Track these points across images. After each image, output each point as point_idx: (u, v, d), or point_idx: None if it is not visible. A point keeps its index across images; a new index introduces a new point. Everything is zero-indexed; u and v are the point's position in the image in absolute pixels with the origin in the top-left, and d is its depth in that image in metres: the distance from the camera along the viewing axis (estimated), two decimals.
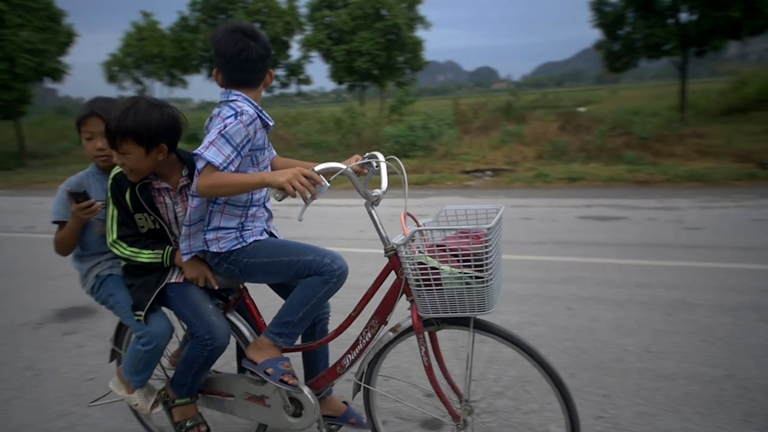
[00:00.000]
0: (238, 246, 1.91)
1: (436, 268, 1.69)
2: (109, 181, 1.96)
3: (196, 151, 1.75)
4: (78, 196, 1.95)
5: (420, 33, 23.15)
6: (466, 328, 1.82)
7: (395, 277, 1.84)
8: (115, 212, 1.95)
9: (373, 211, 1.88)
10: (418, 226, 1.82)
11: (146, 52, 22.34)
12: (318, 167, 1.72)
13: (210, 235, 1.91)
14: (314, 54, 23.12)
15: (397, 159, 1.88)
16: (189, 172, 1.98)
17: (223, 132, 1.73)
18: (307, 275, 1.87)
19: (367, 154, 1.97)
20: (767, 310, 3.42)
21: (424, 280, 1.72)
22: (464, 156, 11.38)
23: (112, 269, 2.14)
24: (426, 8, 25.34)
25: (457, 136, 12.79)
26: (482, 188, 8.90)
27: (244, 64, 1.83)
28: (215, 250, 1.91)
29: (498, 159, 10.98)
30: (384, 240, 1.85)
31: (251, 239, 1.93)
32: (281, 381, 1.90)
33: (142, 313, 1.95)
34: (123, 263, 2.05)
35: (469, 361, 1.84)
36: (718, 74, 19.18)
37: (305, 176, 1.64)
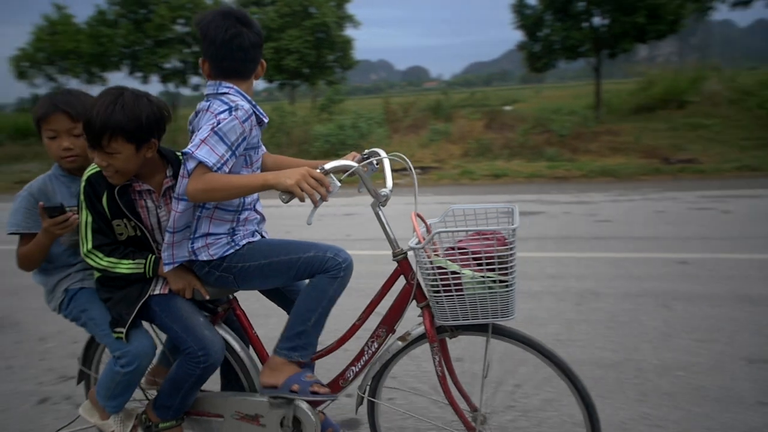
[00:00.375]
0: (231, 251, 1.75)
1: (457, 273, 1.57)
2: (83, 184, 1.74)
3: (186, 150, 1.57)
4: (53, 210, 1.71)
5: (350, 32, 23.21)
6: (484, 334, 1.72)
7: (399, 282, 1.77)
8: (90, 219, 1.74)
9: (380, 212, 1.76)
10: (428, 227, 1.72)
11: (59, 47, 20.94)
12: (327, 166, 1.59)
13: (198, 243, 1.74)
14: None
15: (403, 156, 1.78)
16: (173, 171, 1.81)
17: (216, 129, 1.56)
18: (310, 274, 1.74)
19: (367, 151, 1.86)
20: (666, 296, 3.70)
21: (443, 285, 1.60)
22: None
23: (83, 282, 1.93)
24: (357, 7, 25.39)
25: (386, 134, 12.91)
26: (410, 186, 9.01)
27: (236, 52, 1.67)
28: (205, 258, 1.74)
29: (426, 157, 11.18)
30: (393, 243, 1.74)
31: (243, 241, 1.78)
32: (313, 393, 1.75)
33: (124, 330, 1.75)
34: (97, 275, 1.84)
35: (486, 370, 1.77)
36: (629, 75, 20.41)
37: (313, 177, 1.52)
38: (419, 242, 1.62)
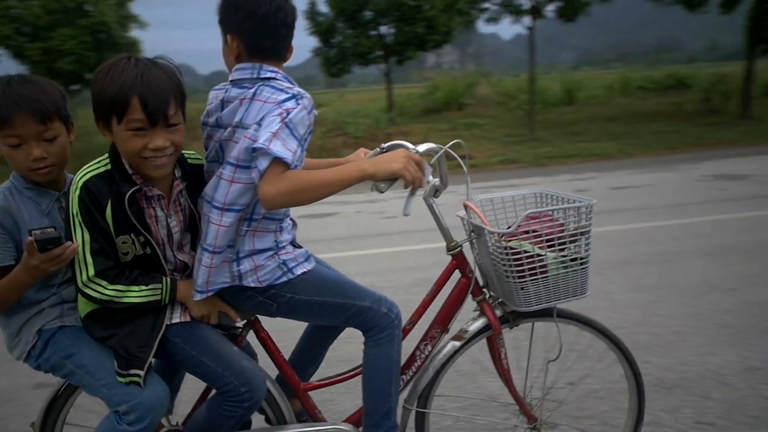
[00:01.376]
0: (284, 278, 1.49)
1: (541, 255, 1.55)
2: (77, 194, 1.34)
3: (258, 145, 1.27)
4: (48, 242, 1.28)
5: (139, 33, 21.31)
6: (550, 318, 1.70)
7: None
8: (88, 238, 1.35)
9: (434, 203, 1.64)
10: (480, 216, 1.61)
11: None
12: (421, 148, 1.48)
13: (245, 266, 1.45)
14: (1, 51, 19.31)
15: (462, 143, 1.64)
16: (182, 172, 1.49)
17: (286, 120, 1.31)
18: (359, 324, 1.58)
19: (386, 144, 1.66)
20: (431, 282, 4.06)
21: (529, 269, 1.55)
22: None
23: (62, 319, 1.49)
24: (150, 7, 23.43)
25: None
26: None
27: (280, 28, 1.42)
28: (252, 285, 1.47)
29: None
30: (447, 235, 1.65)
31: (299, 270, 1.51)
32: None
33: (142, 373, 1.38)
34: (87, 309, 1.43)
35: (558, 354, 1.76)
36: (420, 81, 22.23)
37: (415, 161, 1.38)
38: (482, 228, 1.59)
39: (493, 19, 12.78)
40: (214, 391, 1.55)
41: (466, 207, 1.66)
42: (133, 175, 1.39)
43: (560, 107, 16.83)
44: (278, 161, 1.29)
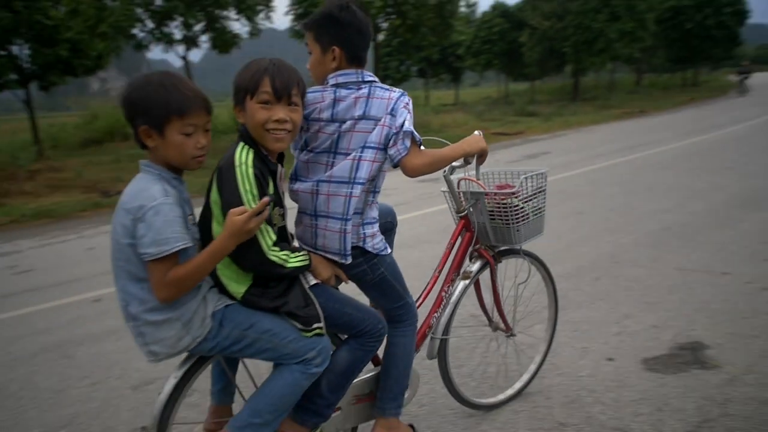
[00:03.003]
0: (385, 252, 1.90)
1: (523, 207, 2.20)
2: (251, 172, 1.55)
3: (406, 128, 1.74)
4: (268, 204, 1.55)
5: None
6: (519, 255, 2.40)
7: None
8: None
9: (450, 177, 2.20)
10: (479, 183, 2.19)
11: None
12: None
13: (368, 231, 1.85)
14: None
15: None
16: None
17: (410, 111, 1.78)
18: (399, 316, 1.95)
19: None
20: (70, 344, 3.58)
21: (521, 217, 2.20)
22: None
23: (222, 300, 1.64)
24: None
25: None
26: None
27: (369, 40, 1.84)
28: (369, 249, 1.84)
29: None
30: (458, 201, 2.25)
31: (390, 250, 1.96)
32: None
33: (322, 324, 1.68)
34: (247, 285, 1.63)
35: (527, 279, 2.43)
36: (79, 108, 19.75)
37: None
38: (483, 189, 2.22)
39: (143, 47, 12.24)
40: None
41: (465, 181, 2.22)
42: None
43: (229, 134, 17.19)
44: (415, 141, 1.77)
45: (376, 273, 1.87)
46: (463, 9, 46.30)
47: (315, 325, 1.66)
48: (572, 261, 4.52)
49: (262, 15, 13.38)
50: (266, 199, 1.53)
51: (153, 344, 1.55)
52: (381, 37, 16.93)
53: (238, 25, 12.91)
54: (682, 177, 7.80)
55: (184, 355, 1.65)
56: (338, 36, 1.78)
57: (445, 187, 2.27)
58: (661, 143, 11.55)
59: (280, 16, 17.24)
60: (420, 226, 5.98)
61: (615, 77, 39.09)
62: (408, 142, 1.75)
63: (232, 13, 13.02)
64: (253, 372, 1.91)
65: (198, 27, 12.76)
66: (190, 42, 12.26)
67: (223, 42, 12.27)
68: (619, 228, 5.45)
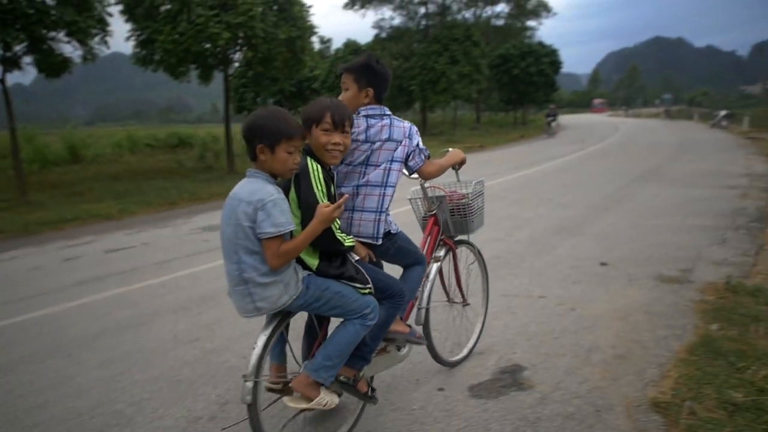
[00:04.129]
0: (398, 230, 2.70)
1: (471, 204, 3.08)
2: (321, 175, 2.22)
3: (422, 147, 2.67)
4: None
5: None
6: (469, 243, 3.38)
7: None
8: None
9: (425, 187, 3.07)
10: (443, 189, 3.12)
11: None
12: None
13: (390, 218, 2.64)
14: None
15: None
16: None
17: (418, 134, 2.67)
18: (389, 293, 2.46)
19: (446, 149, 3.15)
20: None
21: (474, 211, 3.09)
22: None
23: (302, 270, 2.25)
24: None
25: None
26: None
27: (389, 87, 2.65)
28: (392, 231, 2.65)
29: None
30: (429, 204, 3.08)
31: (398, 228, 2.75)
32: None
33: (371, 286, 2.33)
34: (315, 260, 2.25)
35: (474, 261, 3.49)
36: None
37: None
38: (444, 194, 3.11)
39: None
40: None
41: (429, 188, 3.07)
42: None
43: (63, 166, 15.49)
44: (425, 155, 2.70)
45: (395, 245, 2.68)
46: (317, 45, 47.40)
47: (367, 286, 2.32)
48: None
49: (97, 39, 12.33)
50: (346, 196, 2.25)
51: (260, 301, 2.14)
52: (232, 69, 16.57)
53: (71, 48, 11.71)
54: (513, 207, 8.62)
55: (267, 319, 2.25)
56: (372, 81, 2.55)
57: (410, 195, 3.19)
58: (496, 176, 12.72)
59: (121, 41, 16.07)
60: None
61: (459, 114, 42.52)
62: (423, 156, 2.68)
63: (61, 35, 11.82)
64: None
65: (19, 48, 11.35)
66: (11, 63, 10.82)
67: (50, 65, 11.01)
68: None
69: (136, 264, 6.35)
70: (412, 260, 2.76)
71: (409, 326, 2.79)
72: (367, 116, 2.53)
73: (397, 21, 35.53)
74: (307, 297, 2.20)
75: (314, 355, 2.34)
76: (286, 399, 2.31)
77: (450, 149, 3.02)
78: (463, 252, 3.37)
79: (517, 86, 38.76)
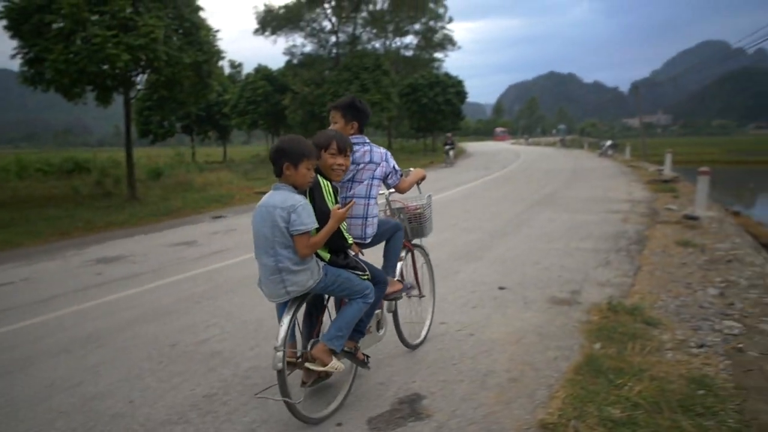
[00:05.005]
0: (376, 231, 3.47)
1: (424, 214, 3.92)
2: (330, 187, 2.97)
3: (397, 168, 3.54)
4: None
5: None
6: (421, 246, 4.14)
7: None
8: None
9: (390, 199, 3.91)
10: (401, 202, 3.93)
11: None
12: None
13: (375, 221, 3.43)
14: None
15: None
16: None
17: (392, 156, 3.54)
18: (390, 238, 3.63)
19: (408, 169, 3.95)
20: None
21: (426, 219, 3.94)
22: None
23: (320, 260, 2.93)
24: None
25: None
26: None
27: (368, 120, 3.44)
28: (377, 232, 3.46)
29: None
30: (393, 214, 3.91)
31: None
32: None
33: (368, 274, 3.07)
34: (327, 254, 2.95)
35: (424, 260, 4.29)
36: None
37: None
38: (403, 205, 3.94)
39: None
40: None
41: (392, 201, 3.93)
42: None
43: None
44: (399, 173, 3.54)
45: (377, 242, 3.52)
46: (227, 69, 46.46)
47: (366, 273, 3.07)
48: None
49: None
50: (353, 201, 3.04)
51: (291, 286, 2.77)
52: (135, 91, 15.76)
53: None
54: None
55: (289, 302, 2.86)
56: (356, 116, 3.35)
57: (379, 207, 3.67)
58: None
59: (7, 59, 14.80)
60: None
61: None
62: (398, 175, 3.54)
63: None
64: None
65: None
66: None
67: None
68: None
69: (13, 303, 5.75)
70: (392, 231, 3.67)
71: (401, 281, 3.73)
72: (354, 144, 3.23)
73: (309, 48, 35.78)
74: (326, 281, 2.89)
75: (325, 330, 3.03)
76: (307, 364, 2.91)
77: (412, 169, 3.80)
78: (417, 254, 4.15)
79: (426, 114, 40.20)
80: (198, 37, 14.81)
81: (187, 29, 14.69)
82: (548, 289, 5.51)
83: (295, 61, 35.55)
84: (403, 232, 3.74)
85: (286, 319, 2.77)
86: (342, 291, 2.97)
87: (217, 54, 15.74)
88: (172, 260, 7.64)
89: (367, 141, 3.35)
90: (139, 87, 16.30)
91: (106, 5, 12.70)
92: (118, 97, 15.33)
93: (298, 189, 2.81)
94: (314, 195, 2.86)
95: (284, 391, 2.76)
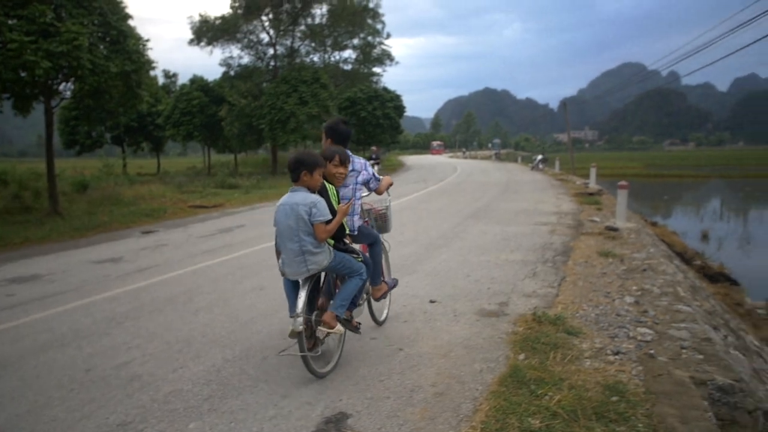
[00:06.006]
0: (362, 223, 4.37)
1: (386, 213, 4.92)
2: (335, 189, 3.93)
3: (376, 175, 4.45)
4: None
5: None
6: (384, 240, 4.85)
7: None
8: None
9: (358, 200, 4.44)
10: (371, 205, 4.84)
11: None
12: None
13: (359, 216, 4.30)
14: None
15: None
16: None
17: (371, 166, 4.46)
18: (374, 242, 4.54)
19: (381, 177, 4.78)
20: None
21: (388, 219, 4.93)
22: None
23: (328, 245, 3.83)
24: None
25: None
26: None
27: (349, 138, 4.35)
28: (361, 225, 4.32)
29: None
30: (364, 214, 4.64)
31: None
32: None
33: (361, 257, 4.00)
34: (332, 241, 3.84)
35: (388, 252, 5.12)
36: None
37: None
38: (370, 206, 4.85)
39: None
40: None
41: (362, 204, 4.54)
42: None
43: None
44: (378, 180, 4.53)
45: (361, 241, 4.37)
46: (161, 79, 44.92)
47: (360, 257, 3.98)
48: (244, 342, 4.52)
49: None
50: (353, 199, 4.14)
51: (311, 264, 3.64)
52: (57, 101, 14.90)
53: None
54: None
55: (304, 279, 3.71)
56: (331, 135, 4.24)
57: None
58: None
59: None
60: None
61: None
62: (377, 181, 4.44)
63: None
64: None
65: None
66: None
67: None
68: None
69: None
70: (372, 240, 4.47)
71: (386, 283, 4.68)
72: None
73: (246, 60, 35.20)
74: (335, 262, 3.77)
75: (328, 304, 3.87)
76: (321, 327, 3.69)
77: (381, 177, 4.56)
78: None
79: (365, 128, 40.41)
80: (126, 46, 14.25)
81: (114, 37, 14.10)
82: (477, 302, 5.64)
83: (232, 73, 34.87)
84: (380, 243, 4.61)
85: (303, 292, 3.63)
86: (344, 269, 3.85)
87: (148, 64, 15.18)
88: (94, 278, 7.24)
89: (349, 153, 4.13)
90: (62, 96, 15.48)
91: (24, 9, 12.02)
92: (39, 105, 14.48)
93: (311, 191, 3.69)
94: (323, 196, 3.75)
95: (302, 347, 3.59)
